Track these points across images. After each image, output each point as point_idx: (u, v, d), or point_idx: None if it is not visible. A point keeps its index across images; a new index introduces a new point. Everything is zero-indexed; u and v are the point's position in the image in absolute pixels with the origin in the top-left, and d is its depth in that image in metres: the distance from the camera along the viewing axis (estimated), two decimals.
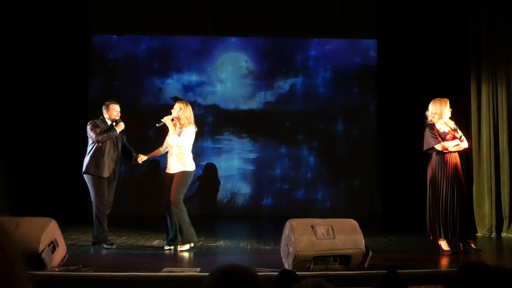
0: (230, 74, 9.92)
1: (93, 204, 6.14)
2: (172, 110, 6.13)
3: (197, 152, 9.85)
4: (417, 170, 7.46)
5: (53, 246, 4.88)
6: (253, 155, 9.88)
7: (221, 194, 9.78)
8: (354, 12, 9.73)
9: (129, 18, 9.58)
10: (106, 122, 6.23)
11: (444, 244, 5.77)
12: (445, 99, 5.96)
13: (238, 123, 9.87)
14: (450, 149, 5.80)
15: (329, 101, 9.90)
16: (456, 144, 5.82)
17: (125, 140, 6.40)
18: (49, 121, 8.89)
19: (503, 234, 7.33)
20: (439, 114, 5.85)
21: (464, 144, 5.91)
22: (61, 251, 5.02)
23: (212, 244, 6.47)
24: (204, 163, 9.80)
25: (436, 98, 5.99)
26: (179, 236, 5.94)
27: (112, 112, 6.24)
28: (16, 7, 8.45)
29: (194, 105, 9.88)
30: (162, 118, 6.05)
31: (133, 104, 9.41)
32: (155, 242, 6.44)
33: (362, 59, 9.95)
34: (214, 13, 9.57)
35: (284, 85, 9.93)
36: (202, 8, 9.57)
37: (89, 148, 6.18)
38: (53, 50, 8.91)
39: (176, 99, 9.71)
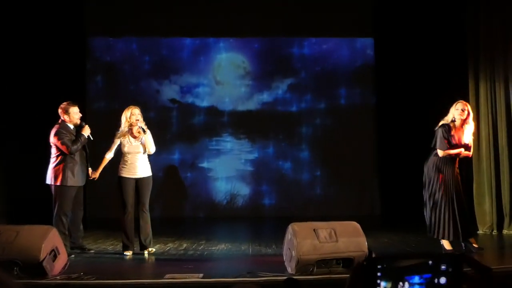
0: (227, 75, 9.89)
1: (56, 213, 5.78)
2: (137, 120, 5.95)
3: (196, 153, 9.89)
4: (416, 167, 7.43)
5: (54, 254, 4.85)
6: (251, 156, 9.85)
7: (220, 196, 9.76)
8: (350, 11, 9.70)
9: (126, 20, 9.54)
10: (68, 128, 5.87)
11: (446, 244, 5.76)
12: (459, 101, 5.87)
13: (236, 124, 9.84)
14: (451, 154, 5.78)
15: (327, 100, 9.88)
16: (459, 151, 5.78)
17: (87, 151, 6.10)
18: (46, 124, 8.79)
19: (504, 231, 7.34)
20: (447, 118, 5.84)
21: (467, 152, 5.85)
22: (62, 259, 4.99)
23: (214, 248, 6.44)
24: (202, 164, 9.78)
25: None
26: (147, 240, 5.98)
27: (73, 116, 5.88)
28: (12, 13, 8.39)
29: (192, 107, 9.89)
30: (143, 132, 5.92)
31: None
32: (156, 247, 6.40)
33: (359, 58, 9.93)
34: (211, 14, 9.53)
35: (281, 85, 9.90)
36: (198, 10, 9.53)
37: (56, 159, 5.80)
38: (50, 53, 8.84)
39: (174, 101, 9.82)
